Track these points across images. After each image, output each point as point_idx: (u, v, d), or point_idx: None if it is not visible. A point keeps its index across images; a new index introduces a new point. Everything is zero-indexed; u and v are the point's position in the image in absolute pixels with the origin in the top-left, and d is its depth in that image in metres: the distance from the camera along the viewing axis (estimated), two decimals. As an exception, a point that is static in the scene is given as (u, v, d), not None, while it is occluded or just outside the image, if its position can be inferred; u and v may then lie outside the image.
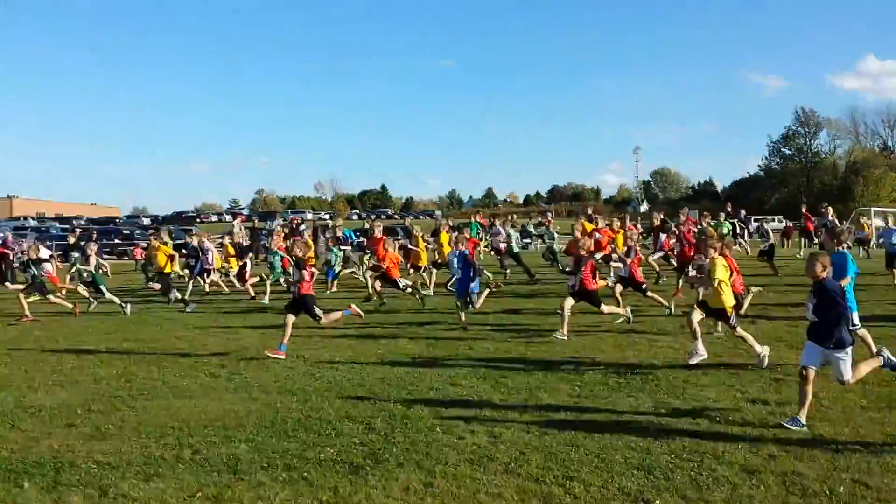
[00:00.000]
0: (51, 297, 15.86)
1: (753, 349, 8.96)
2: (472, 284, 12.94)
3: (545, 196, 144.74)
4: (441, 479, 5.42)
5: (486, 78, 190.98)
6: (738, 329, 9.09)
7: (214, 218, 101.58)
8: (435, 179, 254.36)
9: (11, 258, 22.63)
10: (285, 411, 7.47)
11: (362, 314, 11.84)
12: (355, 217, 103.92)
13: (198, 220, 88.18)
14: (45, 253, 17.27)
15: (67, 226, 58.28)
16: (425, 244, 20.36)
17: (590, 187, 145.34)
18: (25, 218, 77.31)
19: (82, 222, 67.22)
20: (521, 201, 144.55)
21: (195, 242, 20.19)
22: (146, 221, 73.74)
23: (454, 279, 16.32)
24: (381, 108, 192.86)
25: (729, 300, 9.15)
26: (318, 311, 10.82)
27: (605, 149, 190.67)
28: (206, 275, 19.88)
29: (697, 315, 9.18)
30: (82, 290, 16.96)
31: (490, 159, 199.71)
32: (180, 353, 11.04)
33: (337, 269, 20.07)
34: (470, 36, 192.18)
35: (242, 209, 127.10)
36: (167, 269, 17.31)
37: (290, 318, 10.57)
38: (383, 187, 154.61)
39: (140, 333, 12.99)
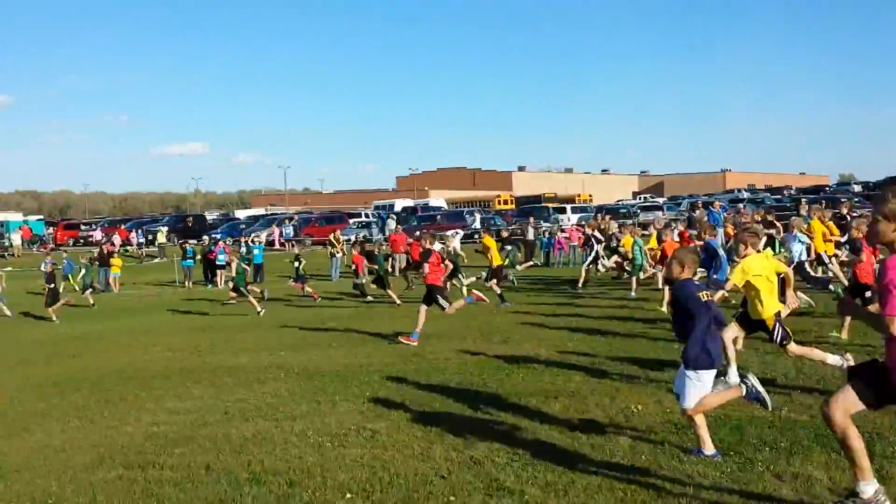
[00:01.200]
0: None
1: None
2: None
3: None
4: None
5: None
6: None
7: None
8: None
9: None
10: None
11: (486, 299, 12.74)
12: None
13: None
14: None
15: (780, 196, 60.28)
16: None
17: None
18: (740, 190, 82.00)
19: (792, 191, 68.42)
20: None
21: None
22: (856, 188, 70.89)
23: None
24: None
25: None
26: (441, 301, 11.53)
27: None
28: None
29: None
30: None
31: None
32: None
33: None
34: None
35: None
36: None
37: (423, 308, 11.47)
38: None
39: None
